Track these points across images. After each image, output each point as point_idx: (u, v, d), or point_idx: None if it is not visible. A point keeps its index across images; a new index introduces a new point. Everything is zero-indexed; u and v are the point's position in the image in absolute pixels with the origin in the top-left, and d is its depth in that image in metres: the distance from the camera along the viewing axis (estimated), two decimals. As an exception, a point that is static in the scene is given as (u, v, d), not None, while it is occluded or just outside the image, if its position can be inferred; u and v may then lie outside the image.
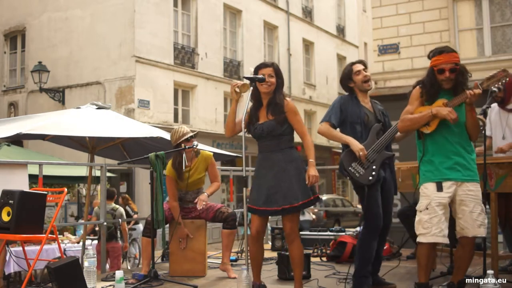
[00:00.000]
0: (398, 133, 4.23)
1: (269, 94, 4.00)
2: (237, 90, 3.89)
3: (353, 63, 4.43)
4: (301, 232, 7.45)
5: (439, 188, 3.64)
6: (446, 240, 3.66)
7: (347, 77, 4.38)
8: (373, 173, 4.12)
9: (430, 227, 3.62)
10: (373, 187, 4.17)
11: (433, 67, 3.74)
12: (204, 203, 5.03)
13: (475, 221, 3.61)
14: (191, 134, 5.17)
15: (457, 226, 3.70)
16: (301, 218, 16.41)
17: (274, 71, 4.00)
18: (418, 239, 3.70)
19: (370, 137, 4.25)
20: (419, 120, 3.75)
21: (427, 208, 3.65)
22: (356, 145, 4.11)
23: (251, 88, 3.92)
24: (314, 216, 16.72)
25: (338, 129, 4.30)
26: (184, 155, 5.15)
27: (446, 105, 3.67)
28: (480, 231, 3.63)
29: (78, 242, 8.37)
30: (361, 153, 4.07)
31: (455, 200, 3.67)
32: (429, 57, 3.82)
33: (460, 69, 3.71)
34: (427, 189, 3.70)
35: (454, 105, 3.67)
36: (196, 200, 5.11)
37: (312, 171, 3.85)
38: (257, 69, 4.03)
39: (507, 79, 3.72)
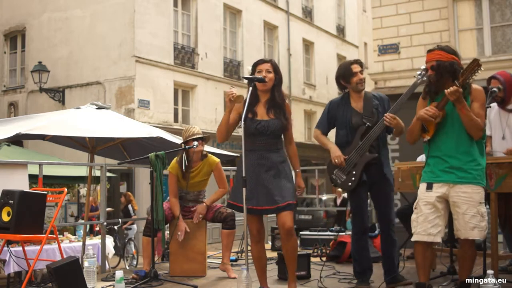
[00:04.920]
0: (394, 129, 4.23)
1: (267, 90, 3.96)
2: (232, 99, 3.88)
3: (351, 63, 4.37)
4: (301, 232, 7.46)
5: (429, 188, 3.65)
6: (430, 239, 3.60)
7: (344, 77, 4.34)
8: (353, 178, 4.25)
9: (416, 225, 3.66)
10: (355, 192, 4.32)
11: None
12: (200, 216, 5.13)
13: (467, 223, 3.54)
14: (198, 136, 5.14)
15: (454, 227, 3.69)
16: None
17: (272, 66, 3.95)
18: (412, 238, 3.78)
19: (354, 140, 4.28)
20: (412, 129, 3.83)
21: (415, 208, 3.70)
22: (332, 152, 4.29)
23: (247, 95, 3.90)
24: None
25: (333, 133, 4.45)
26: (184, 154, 5.15)
27: (436, 106, 3.66)
28: (472, 233, 3.55)
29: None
30: (336, 160, 4.26)
31: (449, 201, 3.65)
32: None
33: (439, 66, 3.62)
34: (419, 189, 3.75)
35: (442, 106, 3.64)
36: (195, 208, 5.20)
37: (302, 182, 4.10)
38: (255, 65, 3.99)
39: (481, 68, 3.58)
